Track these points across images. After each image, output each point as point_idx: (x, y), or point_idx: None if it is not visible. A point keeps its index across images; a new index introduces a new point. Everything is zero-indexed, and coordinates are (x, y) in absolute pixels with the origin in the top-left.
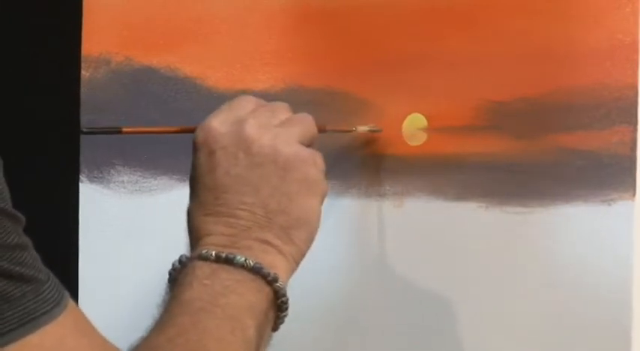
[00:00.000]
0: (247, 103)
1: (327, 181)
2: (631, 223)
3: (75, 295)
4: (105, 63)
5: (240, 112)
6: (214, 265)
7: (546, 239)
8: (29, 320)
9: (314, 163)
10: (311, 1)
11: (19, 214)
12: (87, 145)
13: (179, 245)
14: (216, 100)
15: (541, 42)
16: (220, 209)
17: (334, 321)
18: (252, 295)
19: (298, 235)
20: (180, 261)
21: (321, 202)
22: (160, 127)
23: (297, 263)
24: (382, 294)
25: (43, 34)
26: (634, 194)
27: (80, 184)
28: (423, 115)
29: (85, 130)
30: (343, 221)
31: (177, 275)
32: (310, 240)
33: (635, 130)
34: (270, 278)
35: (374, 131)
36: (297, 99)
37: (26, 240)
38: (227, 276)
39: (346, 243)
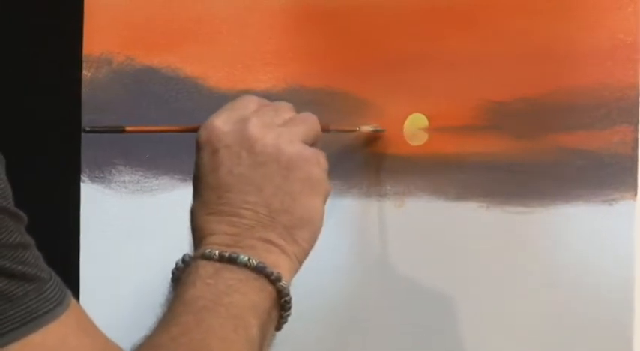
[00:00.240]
0: (250, 103)
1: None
2: (632, 223)
3: (76, 295)
4: (106, 63)
5: (244, 112)
6: (217, 265)
7: (547, 239)
8: (32, 319)
9: (317, 162)
10: (312, 1)
11: (22, 213)
12: (88, 145)
13: (180, 245)
14: (218, 100)
15: (542, 42)
16: (223, 208)
17: (336, 320)
18: (255, 294)
19: (301, 235)
20: (183, 260)
21: (325, 202)
22: (162, 126)
23: (301, 263)
24: (383, 294)
25: (43, 34)
26: (635, 194)
27: (81, 184)
28: (424, 115)
29: (87, 129)
30: (344, 221)
31: (181, 274)
32: (313, 239)
33: (636, 130)
34: (273, 277)
35: (377, 131)
36: (298, 99)
37: (28, 239)
38: (230, 275)
39: (347, 243)
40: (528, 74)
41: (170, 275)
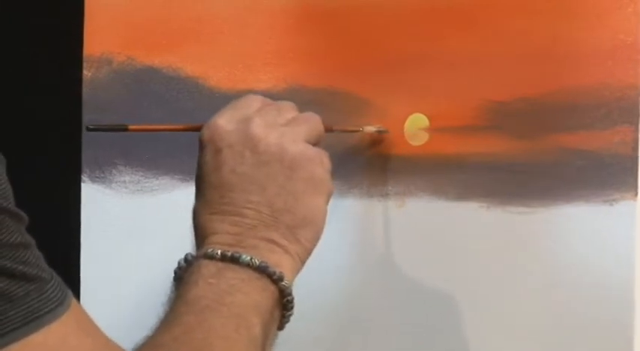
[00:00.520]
0: (253, 102)
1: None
2: (633, 223)
3: (76, 295)
4: (107, 63)
5: (247, 111)
6: (220, 264)
7: (548, 239)
8: (32, 319)
9: (320, 162)
10: (312, 1)
11: (22, 213)
12: (88, 144)
13: (181, 245)
14: (218, 99)
15: (542, 42)
16: (226, 208)
17: (337, 320)
18: (257, 294)
19: (304, 235)
20: (185, 260)
21: (327, 202)
22: (166, 125)
23: (303, 262)
24: (384, 293)
25: (44, 34)
26: (636, 194)
27: (82, 184)
28: (424, 115)
29: (90, 127)
30: (345, 221)
31: (183, 274)
32: (316, 239)
33: (637, 130)
34: (275, 277)
35: (381, 132)
36: (298, 99)
37: (29, 239)
38: (233, 275)
39: (348, 243)
40: (529, 74)
41: (171, 275)
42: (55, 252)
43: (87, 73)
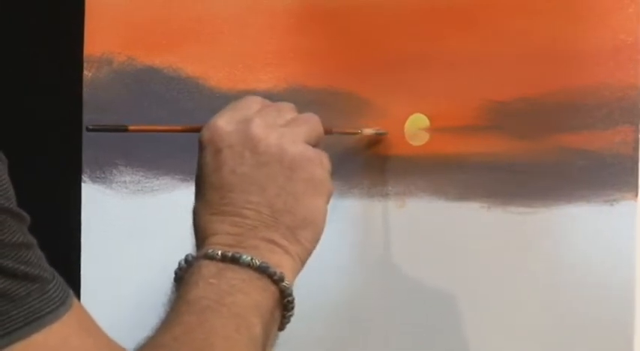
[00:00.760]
0: (253, 103)
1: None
2: (634, 223)
3: (77, 295)
4: (107, 63)
5: (247, 112)
6: (220, 265)
7: (548, 239)
8: (34, 319)
9: (320, 162)
10: (313, 1)
11: (24, 213)
12: (89, 145)
13: (181, 245)
14: (219, 100)
15: (543, 42)
16: (226, 208)
17: (337, 320)
18: (258, 294)
19: (304, 235)
20: (186, 260)
21: (327, 202)
22: (165, 126)
23: (304, 263)
24: (384, 294)
25: (44, 34)
26: (636, 194)
27: (82, 184)
28: (425, 115)
29: (90, 127)
30: (345, 221)
31: (184, 274)
32: (316, 240)
33: (638, 130)
34: (276, 277)
35: (379, 134)
36: (299, 99)
37: (31, 239)
38: (233, 275)
39: (348, 243)
40: (529, 74)
41: (172, 275)
42: (55, 252)
43: (87, 73)
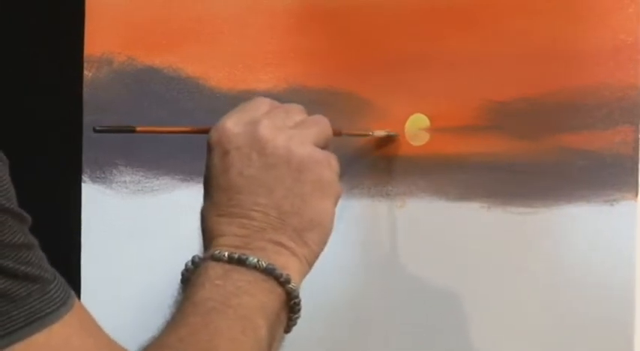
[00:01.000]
0: (262, 105)
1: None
2: (634, 223)
3: (77, 296)
4: (107, 63)
5: (255, 113)
6: (227, 266)
7: (549, 239)
8: (35, 319)
9: (328, 164)
10: (313, 1)
11: (25, 214)
12: (89, 145)
13: (181, 245)
14: (219, 100)
15: (543, 42)
16: (234, 210)
17: (338, 320)
18: (264, 296)
19: (311, 237)
20: (193, 261)
21: (335, 204)
22: (173, 127)
23: (311, 265)
24: (385, 294)
25: (44, 34)
26: (636, 194)
27: (82, 184)
28: (425, 115)
29: (97, 128)
30: (346, 221)
31: (190, 275)
32: (323, 242)
33: (638, 130)
34: (282, 279)
35: (391, 136)
36: (299, 99)
37: (32, 239)
38: (239, 277)
39: (349, 243)
40: (529, 74)
41: (172, 275)
42: (55, 252)
43: (87, 73)
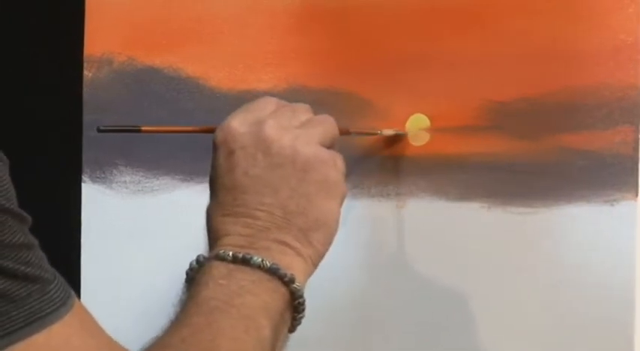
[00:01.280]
0: (268, 104)
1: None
2: (634, 223)
3: (77, 296)
4: (107, 63)
5: (261, 113)
6: (231, 266)
7: (549, 239)
8: (35, 320)
9: (334, 164)
10: (313, 1)
11: (25, 214)
12: (89, 145)
13: (181, 245)
14: (219, 100)
15: (543, 42)
16: (239, 210)
17: (338, 320)
18: (267, 296)
19: (317, 237)
20: (197, 261)
21: (341, 205)
22: (179, 126)
23: (316, 265)
24: (385, 294)
25: (44, 34)
26: (636, 194)
27: (82, 185)
28: (425, 115)
29: (102, 128)
30: (346, 222)
31: (195, 275)
32: (329, 242)
33: (638, 130)
34: (286, 279)
35: (399, 135)
36: (300, 99)
37: (32, 239)
38: (243, 276)
39: (349, 243)
40: (529, 74)
41: (172, 274)
42: (55, 252)
43: (87, 73)
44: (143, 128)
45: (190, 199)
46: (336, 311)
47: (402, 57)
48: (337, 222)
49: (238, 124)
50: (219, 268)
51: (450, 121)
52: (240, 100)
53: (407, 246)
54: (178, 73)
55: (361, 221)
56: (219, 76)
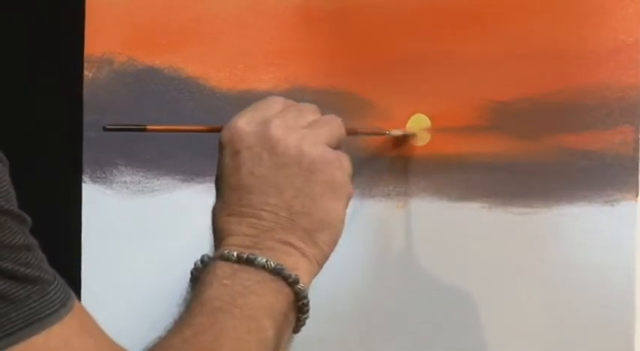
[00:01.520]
0: (275, 104)
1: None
2: (634, 223)
3: (77, 296)
4: (108, 63)
5: (267, 113)
6: (235, 266)
7: (549, 239)
8: (35, 321)
9: (340, 165)
10: (314, 2)
11: (25, 215)
12: (89, 145)
13: (182, 245)
14: (219, 100)
15: (543, 42)
16: (244, 210)
17: (338, 320)
18: (271, 296)
19: (322, 238)
20: (202, 260)
21: (346, 206)
22: (185, 126)
23: (321, 266)
24: (386, 294)
25: (44, 34)
26: (637, 194)
27: (83, 185)
28: (426, 115)
29: (107, 126)
30: (347, 222)
31: (199, 275)
32: (334, 243)
33: (638, 130)
34: (291, 280)
35: (407, 135)
36: (300, 99)
37: (32, 241)
38: (247, 276)
39: (349, 243)
40: (530, 74)
41: (172, 275)
42: (55, 253)
43: (88, 73)
44: (148, 127)
45: (191, 200)
46: (338, 311)
47: (403, 57)
48: (343, 223)
49: (245, 123)
50: (223, 268)
51: (451, 121)
52: (241, 100)
53: (407, 246)
54: (179, 73)
55: (361, 221)
56: (219, 76)
